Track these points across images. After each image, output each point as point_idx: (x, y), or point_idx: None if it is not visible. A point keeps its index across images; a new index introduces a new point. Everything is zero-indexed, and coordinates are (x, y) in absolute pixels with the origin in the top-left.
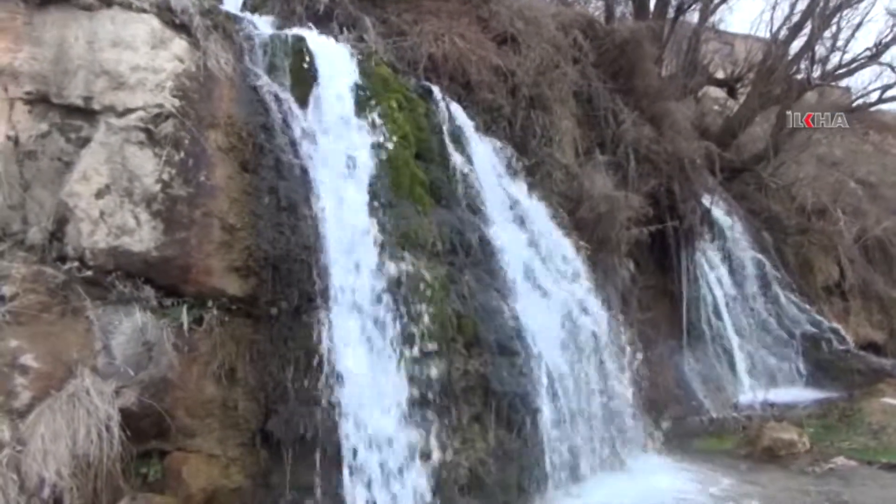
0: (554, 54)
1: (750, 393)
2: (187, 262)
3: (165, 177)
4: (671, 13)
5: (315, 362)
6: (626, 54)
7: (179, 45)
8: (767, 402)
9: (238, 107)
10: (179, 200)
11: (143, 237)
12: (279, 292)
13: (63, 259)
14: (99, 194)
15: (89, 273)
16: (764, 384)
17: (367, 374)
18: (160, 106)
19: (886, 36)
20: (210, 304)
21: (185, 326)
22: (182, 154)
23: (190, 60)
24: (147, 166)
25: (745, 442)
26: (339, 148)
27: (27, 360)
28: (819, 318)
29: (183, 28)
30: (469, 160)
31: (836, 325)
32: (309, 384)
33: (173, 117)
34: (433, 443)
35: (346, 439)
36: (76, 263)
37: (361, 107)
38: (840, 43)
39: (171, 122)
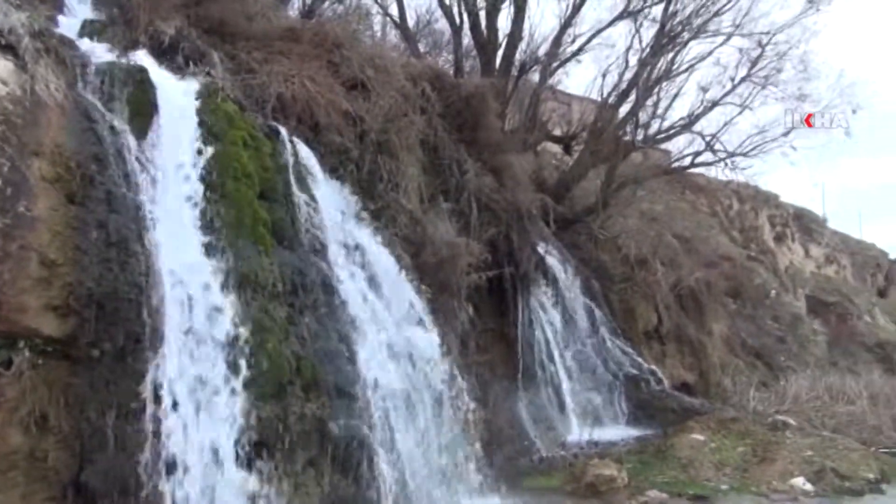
0: (402, 103)
1: (577, 432)
2: None
3: None
4: (514, 72)
5: (139, 407)
6: (471, 107)
7: (4, 66)
8: (592, 441)
9: (68, 135)
10: None
11: None
12: (103, 332)
13: None
14: None
15: None
16: (590, 423)
17: (197, 418)
18: None
19: (698, 108)
20: (21, 345)
21: None
22: None
23: (15, 83)
24: None
25: (571, 479)
26: (177, 184)
27: None
28: (640, 360)
29: (9, 49)
30: (314, 201)
31: (654, 367)
32: (132, 431)
33: None
34: (265, 489)
35: (173, 489)
36: None
37: (203, 143)
38: (660, 111)
39: None
